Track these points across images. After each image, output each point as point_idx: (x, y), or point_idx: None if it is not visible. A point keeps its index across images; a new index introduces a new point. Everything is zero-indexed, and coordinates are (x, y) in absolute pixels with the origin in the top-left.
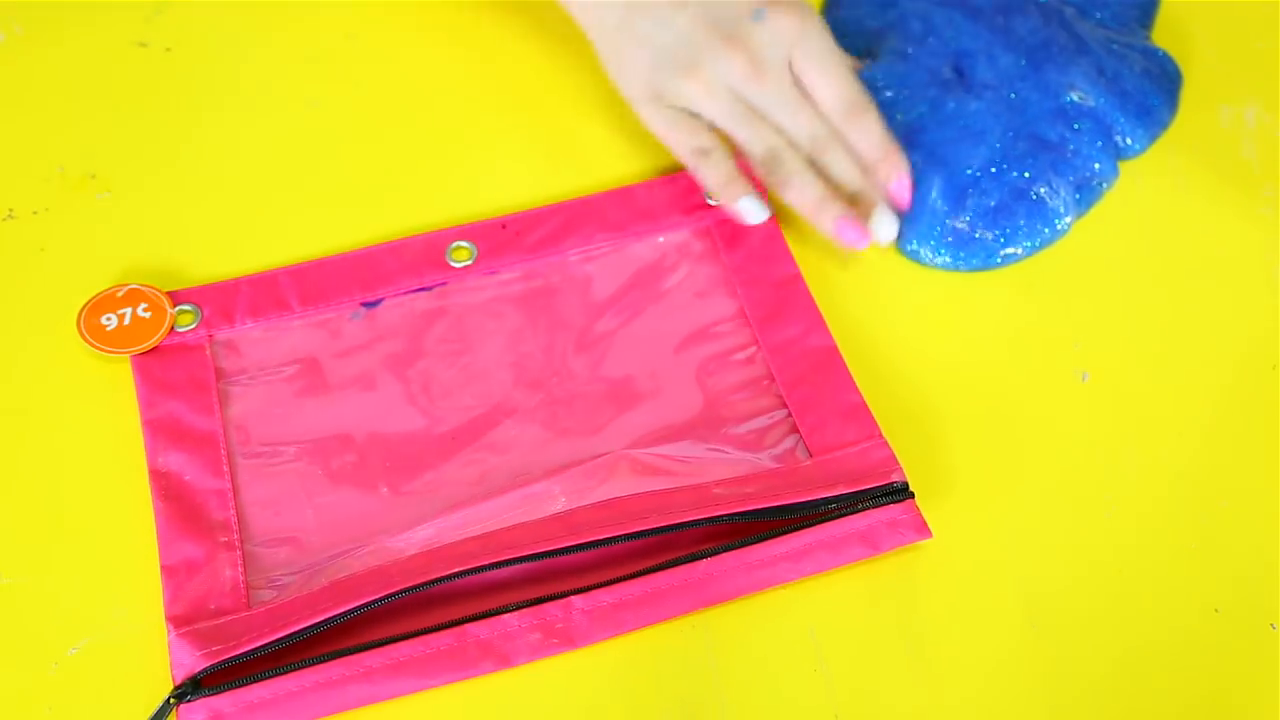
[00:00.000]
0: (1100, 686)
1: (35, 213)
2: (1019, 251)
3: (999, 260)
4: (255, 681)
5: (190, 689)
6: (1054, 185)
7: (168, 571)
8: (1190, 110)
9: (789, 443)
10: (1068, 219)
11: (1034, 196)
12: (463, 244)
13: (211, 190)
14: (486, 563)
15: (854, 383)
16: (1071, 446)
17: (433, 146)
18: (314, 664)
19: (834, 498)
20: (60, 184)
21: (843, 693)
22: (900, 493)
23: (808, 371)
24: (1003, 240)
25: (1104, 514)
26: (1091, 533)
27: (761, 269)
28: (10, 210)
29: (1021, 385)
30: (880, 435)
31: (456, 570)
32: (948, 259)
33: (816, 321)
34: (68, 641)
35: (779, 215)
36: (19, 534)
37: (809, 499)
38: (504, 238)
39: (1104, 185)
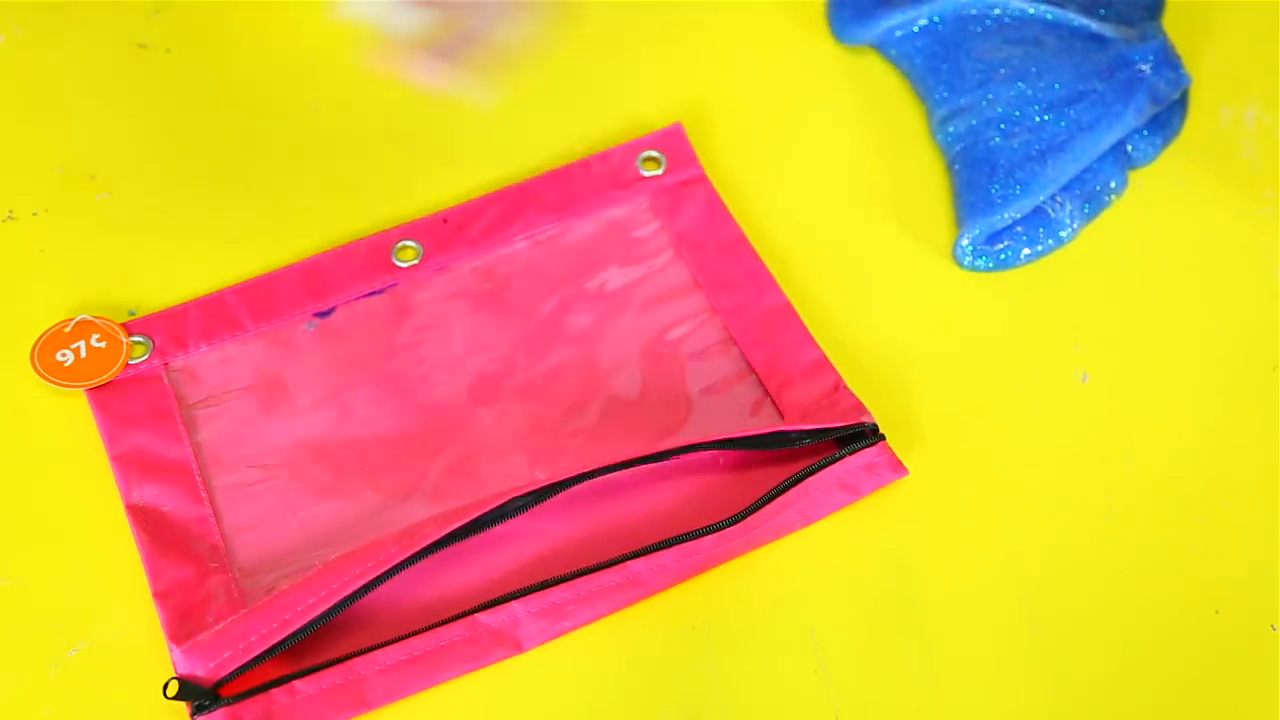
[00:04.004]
0: (1100, 687)
1: (35, 214)
2: (1021, 257)
3: (1001, 265)
4: (274, 687)
5: (209, 700)
6: (1061, 200)
7: (160, 596)
8: (1190, 111)
9: (759, 405)
10: (1074, 226)
11: (1040, 209)
12: (408, 243)
13: (208, 192)
14: (480, 514)
15: (812, 338)
16: (1071, 447)
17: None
18: (330, 666)
19: (807, 431)
20: (60, 184)
21: (843, 693)
22: (872, 435)
23: (766, 331)
24: (1005, 247)
25: (1104, 514)
26: (1091, 533)
27: (706, 234)
28: (10, 211)
29: (1021, 386)
30: (845, 386)
31: (453, 528)
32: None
33: (767, 281)
34: (68, 643)
35: (714, 178)
36: (19, 535)
37: (783, 430)
38: (447, 232)
39: (1112, 196)
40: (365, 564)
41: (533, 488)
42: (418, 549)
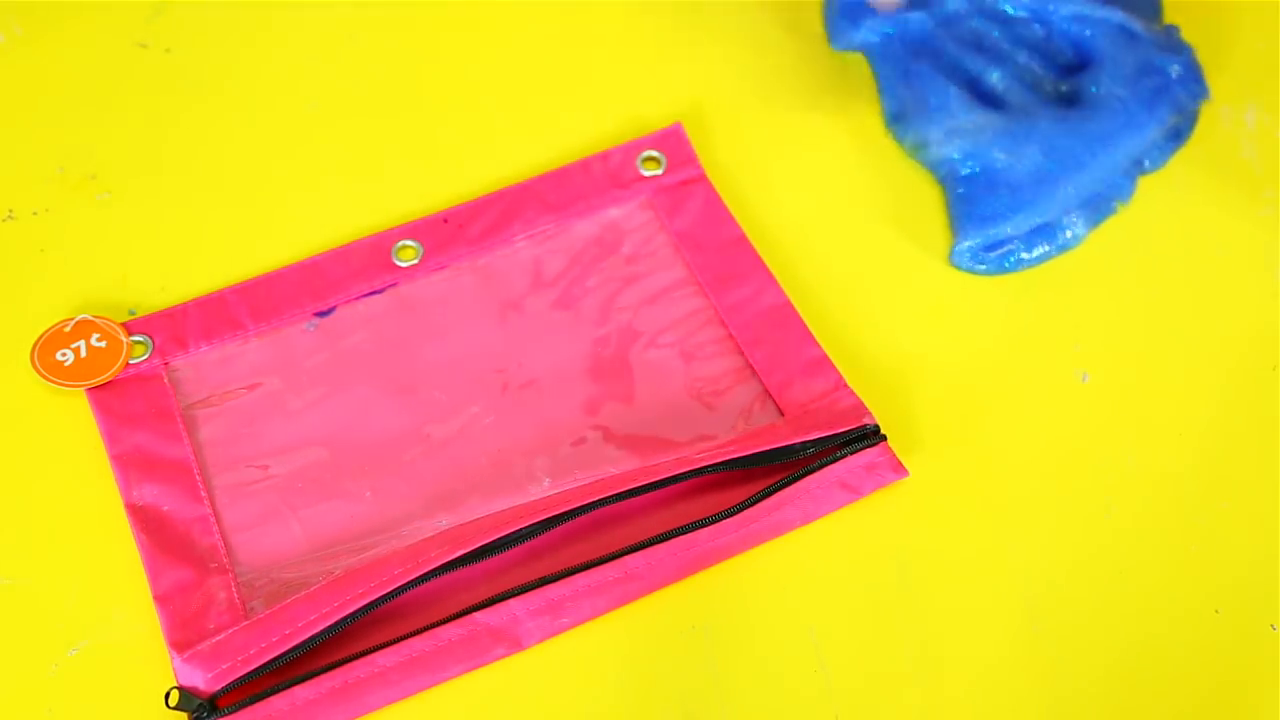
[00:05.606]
0: (1100, 687)
1: (35, 213)
2: (1024, 260)
3: (1002, 270)
4: (273, 694)
5: (207, 711)
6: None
7: (161, 600)
8: None
9: (759, 404)
10: (1080, 232)
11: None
12: (408, 243)
13: (205, 194)
14: (485, 542)
15: (813, 336)
16: (1071, 446)
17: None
18: (329, 670)
19: (811, 441)
20: (60, 184)
21: (843, 693)
22: (873, 436)
23: (766, 330)
24: (1006, 252)
25: (1104, 514)
26: (1091, 533)
27: (706, 234)
28: (10, 211)
29: (1021, 385)
30: (846, 384)
31: (458, 555)
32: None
33: (767, 280)
34: (68, 643)
35: (714, 178)
36: (19, 535)
37: (786, 444)
38: (447, 232)
39: (1118, 203)
40: (369, 583)
41: (540, 516)
42: (422, 572)
